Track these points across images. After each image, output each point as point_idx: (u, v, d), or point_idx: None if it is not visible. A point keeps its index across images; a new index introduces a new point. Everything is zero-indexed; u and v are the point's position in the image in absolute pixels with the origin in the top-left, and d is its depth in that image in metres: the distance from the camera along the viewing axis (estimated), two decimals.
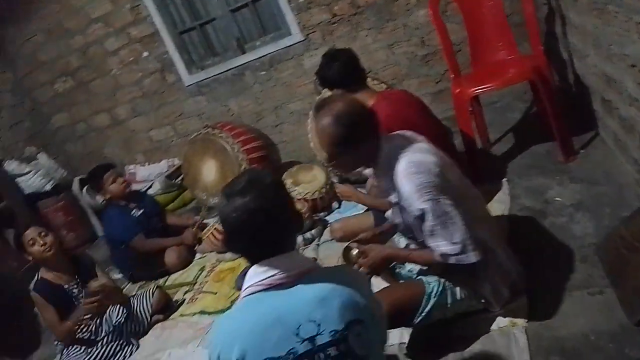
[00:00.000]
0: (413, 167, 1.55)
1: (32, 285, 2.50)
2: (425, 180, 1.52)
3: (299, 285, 1.12)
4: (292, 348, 1.06)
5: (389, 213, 1.82)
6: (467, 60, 3.15)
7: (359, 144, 1.61)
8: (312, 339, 1.08)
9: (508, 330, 1.73)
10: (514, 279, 1.74)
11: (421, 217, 1.55)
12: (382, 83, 3.17)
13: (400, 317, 1.65)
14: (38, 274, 2.54)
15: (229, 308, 2.58)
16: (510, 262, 1.75)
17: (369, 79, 3.11)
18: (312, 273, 1.15)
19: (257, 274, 1.14)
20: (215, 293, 2.77)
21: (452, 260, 1.56)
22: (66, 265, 2.57)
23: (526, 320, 1.73)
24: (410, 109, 2.28)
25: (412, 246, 1.82)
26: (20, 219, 3.86)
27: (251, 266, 1.17)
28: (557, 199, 2.27)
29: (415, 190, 1.52)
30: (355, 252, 1.84)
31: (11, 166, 4.09)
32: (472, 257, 1.56)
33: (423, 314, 1.68)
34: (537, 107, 2.90)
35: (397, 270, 1.90)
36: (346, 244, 2.59)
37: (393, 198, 1.69)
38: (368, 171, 1.73)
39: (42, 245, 2.43)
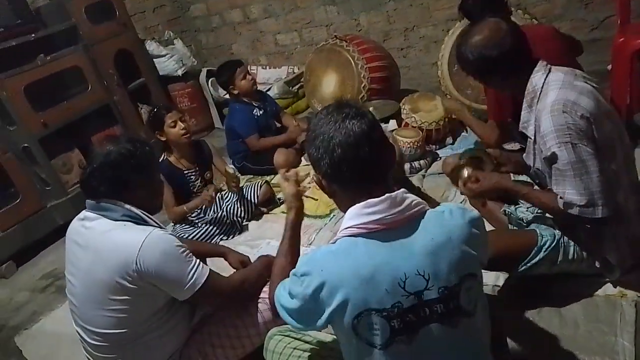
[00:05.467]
0: (561, 105, 1.44)
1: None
2: (569, 121, 1.41)
3: (407, 231, 1.00)
4: (398, 302, 0.96)
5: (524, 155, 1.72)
6: (637, 9, 2.75)
7: (508, 67, 1.54)
8: (419, 294, 0.97)
9: (615, 300, 1.65)
10: None
11: (552, 160, 1.45)
12: (533, 19, 2.89)
13: (503, 263, 1.61)
14: (164, 154, 2.68)
15: (327, 215, 2.72)
16: None
17: (519, 11, 2.90)
18: (423, 217, 1.02)
19: (362, 214, 1.01)
20: (317, 199, 2.90)
21: (575, 211, 1.45)
22: (189, 151, 2.72)
23: (638, 295, 1.64)
24: (548, 50, 1.95)
25: None
26: (154, 97, 4.23)
27: (351, 204, 1.06)
28: None
29: (555, 129, 1.42)
30: (466, 173, 1.71)
31: (151, 47, 4.40)
32: (599, 212, 1.43)
33: (528, 265, 1.63)
34: None
35: (510, 210, 1.83)
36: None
37: (529, 132, 1.59)
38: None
39: (182, 129, 2.57)
